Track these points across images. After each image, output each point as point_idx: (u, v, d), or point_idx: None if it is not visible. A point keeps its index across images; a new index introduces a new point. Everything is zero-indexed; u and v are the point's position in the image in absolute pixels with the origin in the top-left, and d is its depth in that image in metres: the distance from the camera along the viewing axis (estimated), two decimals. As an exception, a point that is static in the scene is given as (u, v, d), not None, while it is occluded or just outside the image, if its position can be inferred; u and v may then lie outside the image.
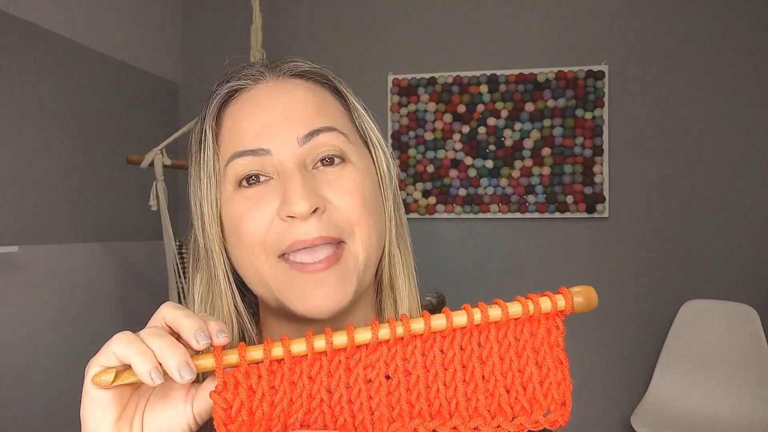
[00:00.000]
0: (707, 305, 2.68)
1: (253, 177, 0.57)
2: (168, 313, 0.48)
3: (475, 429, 0.50)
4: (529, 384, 0.51)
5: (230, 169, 0.58)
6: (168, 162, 2.34)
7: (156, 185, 2.31)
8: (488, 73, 3.01)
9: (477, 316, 0.50)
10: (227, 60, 0.73)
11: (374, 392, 0.50)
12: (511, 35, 3.03)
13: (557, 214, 2.94)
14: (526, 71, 2.98)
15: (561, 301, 0.51)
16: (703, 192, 2.84)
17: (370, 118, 0.64)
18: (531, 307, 0.50)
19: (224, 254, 0.60)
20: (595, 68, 2.91)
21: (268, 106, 0.59)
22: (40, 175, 2.34)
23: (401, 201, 0.67)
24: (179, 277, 2.32)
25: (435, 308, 0.70)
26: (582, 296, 0.52)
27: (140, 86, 2.96)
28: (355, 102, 0.64)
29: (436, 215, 3.05)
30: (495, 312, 0.50)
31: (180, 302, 2.34)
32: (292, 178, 0.55)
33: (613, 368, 2.90)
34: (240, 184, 0.58)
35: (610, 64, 2.91)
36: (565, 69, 2.94)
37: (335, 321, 0.59)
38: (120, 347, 0.46)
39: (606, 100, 2.91)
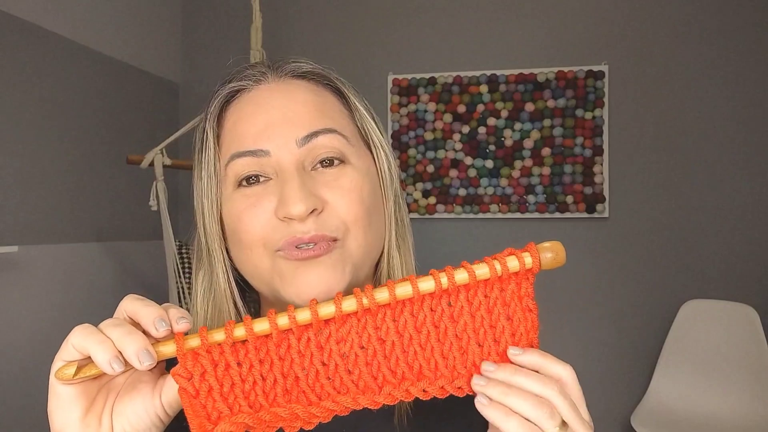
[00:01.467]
0: (707, 305, 2.68)
1: (253, 177, 0.58)
2: (128, 304, 0.48)
3: (459, 388, 0.50)
4: (501, 337, 0.51)
5: (230, 169, 0.59)
6: (168, 162, 2.34)
7: (156, 185, 2.31)
8: (488, 73, 3.01)
9: (444, 280, 0.49)
10: (230, 60, 0.73)
11: (352, 365, 0.49)
12: (511, 35, 3.03)
13: (557, 214, 2.94)
14: (526, 71, 2.98)
15: (528, 259, 0.51)
16: (703, 192, 2.84)
17: (374, 119, 0.64)
18: (498, 268, 0.50)
19: (224, 252, 0.61)
20: (595, 68, 2.91)
21: (268, 107, 0.59)
22: (40, 175, 2.34)
23: (405, 204, 0.67)
24: (179, 277, 2.32)
25: None
26: (550, 251, 0.51)
27: (140, 86, 2.96)
28: (356, 103, 0.64)
29: (436, 215, 3.05)
30: (462, 275, 0.50)
31: (180, 302, 2.34)
32: (289, 180, 0.56)
33: (613, 368, 2.90)
34: (240, 184, 0.58)
35: (610, 64, 2.91)
36: (565, 69, 2.94)
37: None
38: (78, 339, 0.46)
39: (606, 100, 2.91)
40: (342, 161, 0.59)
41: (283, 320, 0.48)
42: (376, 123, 0.65)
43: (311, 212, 0.55)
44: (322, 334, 0.49)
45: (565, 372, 0.50)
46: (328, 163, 0.58)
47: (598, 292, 2.93)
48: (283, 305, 0.59)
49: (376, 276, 0.65)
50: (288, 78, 0.62)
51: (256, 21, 2.59)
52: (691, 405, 2.52)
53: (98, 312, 2.62)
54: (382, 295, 0.49)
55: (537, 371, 0.50)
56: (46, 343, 2.39)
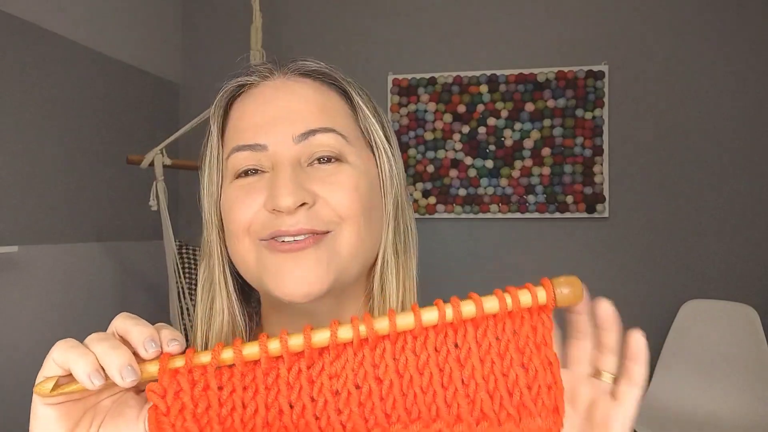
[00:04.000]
0: (707, 305, 2.68)
1: (251, 170, 0.59)
2: (119, 323, 0.46)
3: None
4: (515, 388, 0.46)
5: (230, 162, 0.59)
6: (168, 162, 2.33)
7: (156, 185, 2.31)
8: (488, 73, 3.01)
9: (449, 311, 0.45)
10: (238, 59, 0.74)
11: (343, 404, 0.45)
12: (511, 35, 3.03)
13: (557, 214, 2.94)
14: (526, 71, 2.98)
15: (542, 293, 0.46)
16: (703, 192, 2.84)
17: (380, 121, 0.64)
18: (509, 301, 0.46)
19: (222, 245, 0.61)
20: (595, 68, 2.91)
21: (270, 104, 0.60)
22: (40, 175, 2.34)
23: (411, 209, 0.65)
24: (179, 277, 2.32)
25: None
26: (567, 286, 0.47)
27: (140, 86, 2.96)
28: (361, 103, 0.63)
29: (436, 215, 3.05)
30: (469, 308, 0.46)
31: (180, 302, 2.34)
32: (281, 172, 0.56)
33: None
34: (237, 177, 0.59)
35: (610, 64, 2.91)
36: (565, 69, 2.94)
37: (320, 319, 0.58)
38: (59, 353, 0.44)
39: (606, 100, 2.91)
40: (339, 160, 0.59)
41: (274, 345, 0.45)
42: (382, 125, 0.64)
43: (301, 206, 0.55)
44: (315, 368, 0.46)
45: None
46: (325, 160, 0.58)
47: (597, 292, 2.92)
48: (280, 303, 0.58)
49: (368, 283, 0.63)
50: (293, 76, 0.62)
51: (256, 21, 2.59)
52: (691, 405, 2.52)
53: (98, 312, 2.63)
54: (381, 324, 0.45)
55: None
56: (46, 343, 2.37)
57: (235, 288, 0.62)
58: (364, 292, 0.63)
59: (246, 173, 0.59)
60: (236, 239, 0.58)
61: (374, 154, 0.63)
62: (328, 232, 0.57)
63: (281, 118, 0.58)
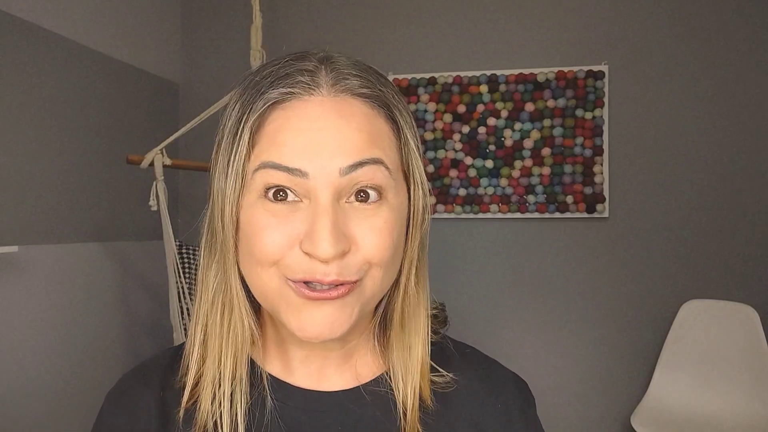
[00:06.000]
0: (707, 305, 2.68)
1: (282, 192, 0.54)
2: None
3: None
4: None
5: (260, 176, 0.54)
6: (168, 162, 2.33)
7: (156, 185, 2.31)
8: (488, 73, 3.01)
9: None
10: (284, 50, 0.65)
11: None
12: (511, 35, 3.03)
13: (557, 214, 2.94)
14: (526, 71, 2.98)
15: None
16: (703, 192, 2.84)
17: (419, 152, 0.60)
18: None
19: (236, 256, 0.58)
20: (595, 68, 2.91)
21: (318, 127, 0.54)
22: (40, 175, 2.34)
23: (428, 241, 0.63)
24: (179, 277, 2.32)
25: (437, 323, 0.68)
26: None
27: (140, 86, 2.96)
28: (408, 135, 0.59)
29: (436, 215, 3.05)
30: None
31: (180, 302, 2.34)
32: (323, 215, 0.52)
33: (613, 368, 2.90)
34: (266, 195, 0.54)
35: (610, 64, 2.91)
36: (565, 69, 2.94)
37: (329, 342, 0.59)
38: None
39: (606, 100, 2.91)
40: (379, 197, 0.55)
41: None
42: (420, 156, 0.60)
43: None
44: None
45: None
46: (363, 196, 0.54)
47: (597, 292, 2.93)
48: (282, 325, 0.58)
49: (388, 308, 0.63)
50: (344, 96, 0.56)
51: (256, 21, 2.59)
52: (691, 405, 2.52)
53: (98, 312, 2.63)
54: None
55: None
56: (46, 343, 2.39)
57: (246, 299, 0.60)
58: (371, 314, 0.63)
59: (276, 193, 0.54)
60: (259, 266, 0.55)
61: (409, 189, 0.59)
62: (357, 281, 0.54)
63: (329, 146, 0.53)
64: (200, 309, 0.61)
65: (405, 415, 0.60)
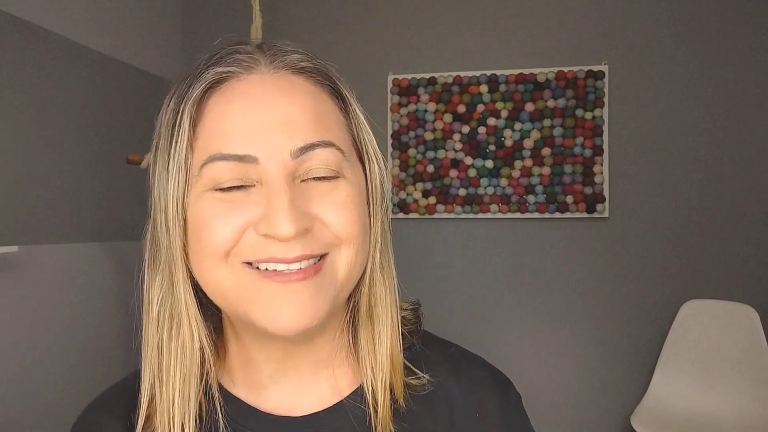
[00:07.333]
0: (707, 305, 2.68)
1: (235, 188, 0.51)
2: None
3: None
4: None
5: (208, 171, 0.50)
6: (168, 162, 2.33)
7: (156, 185, 2.31)
8: (488, 73, 3.01)
9: None
10: (216, 41, 0.63)
11: None
12: (511, 35, 3.03)
13: (557, 214, 2.94)
14: (526, 71, 2.98)
15: None
16: (703, 192, 2.84)
17: (369, 124, 0.58)
18: None
19: (185, 258, 0.53)
20: (595, 68, 2.91)
21: (261, 107, 0.51)
22: (40, 175, 2.34)
23: (390, 221, 0.60)
24: (179, 277, 2.32)
25: (412, 321, 0.64)
26: None
27: (140, 86, 2.96)
28: (357, 110, 0.57)
29: (436, 215, 3.05)
30: None
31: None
32: (279, 195, 0.49)
33: (613, 368, 2.90)
34: (215, 188, 0.51)
35: (610, 64, 2.91)
36: (565, 69, 2.94)
37: (301, 340, 0.56)
38: None
39: (606, 100, 2.91)
40: (336, 176, 0.53)
41: None
42: (370, 129, 0.58)
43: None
44: None
45: None
46: (320, 178, 0.52)
47: (597, 292, 2.93)
48: (247, 324, 0.53)
49: (355, 299, 0.59)
50: (285, 72, 0.54)
51: (256, 21, 2.59)
52: (691, 405, 2.52)
53: (98, 312, 2.63)
54: None
55: None
56: (46, 343, 2.39)
57: (198, 310, 0.54)
58: (343, 308, 0.59)
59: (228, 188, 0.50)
60: (210, 262, 0.51)
61: (365, 166, 0.57)
62: (326, 254, 0.52)
63: (275, 127, 0.50)
64: (148, 329, 0.57)
65: (376, 411, 0.56)
